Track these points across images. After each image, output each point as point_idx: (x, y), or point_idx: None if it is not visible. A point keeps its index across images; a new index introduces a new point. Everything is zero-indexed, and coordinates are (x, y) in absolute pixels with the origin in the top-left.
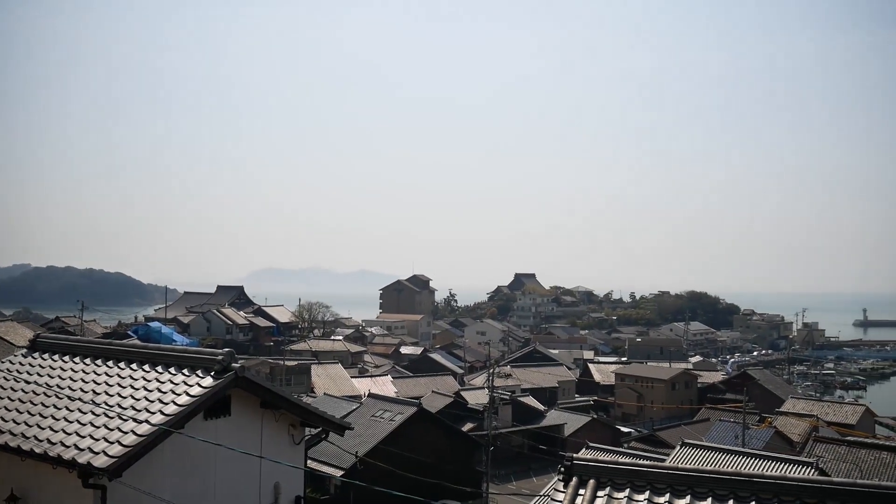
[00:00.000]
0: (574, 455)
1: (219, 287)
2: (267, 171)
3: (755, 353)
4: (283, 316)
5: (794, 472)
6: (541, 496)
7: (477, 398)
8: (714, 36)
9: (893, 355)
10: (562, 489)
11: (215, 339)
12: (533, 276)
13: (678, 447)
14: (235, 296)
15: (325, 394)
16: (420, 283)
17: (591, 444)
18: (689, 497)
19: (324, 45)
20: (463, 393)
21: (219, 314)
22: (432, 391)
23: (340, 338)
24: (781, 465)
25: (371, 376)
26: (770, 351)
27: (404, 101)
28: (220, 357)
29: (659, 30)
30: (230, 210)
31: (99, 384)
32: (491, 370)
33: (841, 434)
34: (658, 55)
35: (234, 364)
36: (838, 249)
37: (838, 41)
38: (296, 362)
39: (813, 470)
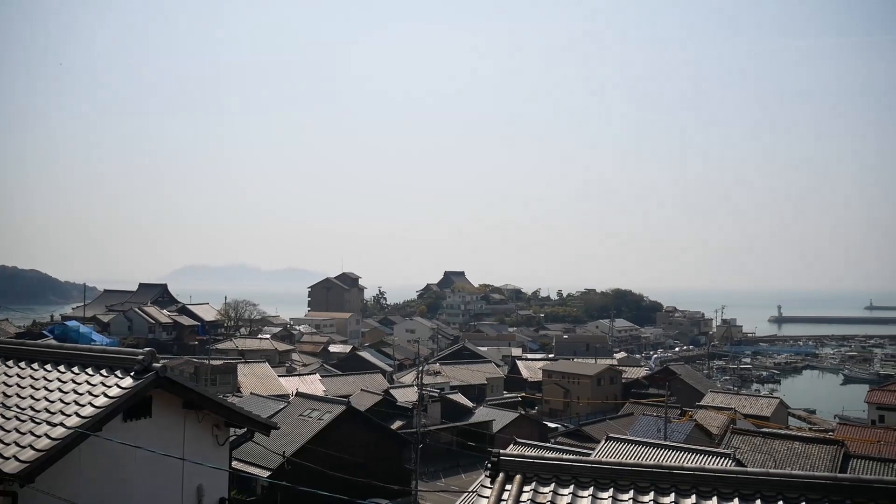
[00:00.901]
0: (501, 451)
1: (141, 285)
2: (188, 168)
3: (677, 349)
4: (209, 314)
5: (713, 463)
6: (468, 492)
7: (406, 396)
8: (653, 37)
9: (805, 350)
10: (489, 485)
11: (137, 339)
12: (462, 274)
13: (603, 441)
14: (158, 294)
15: (251, 393)
16: (349, 281)
17: (519, 440)
18: (611, 490)
19: (259, 33)
20: (392, 391)
21: (141, 313)
22: (361, 389)
23: (268, 336)
24: (701, 457)
25: (299, 375)
26: (691, 347)
27: (340, 97)
28: (140, 357)
29: (606, 33)
30: (151, 207)
31: (10, 386)
32: (420, 368)
33: (757, 426)
34: (599, 59)
35: (155, 364)
36: (755, 248)
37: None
38: (221, 361)
39: (730, 461)
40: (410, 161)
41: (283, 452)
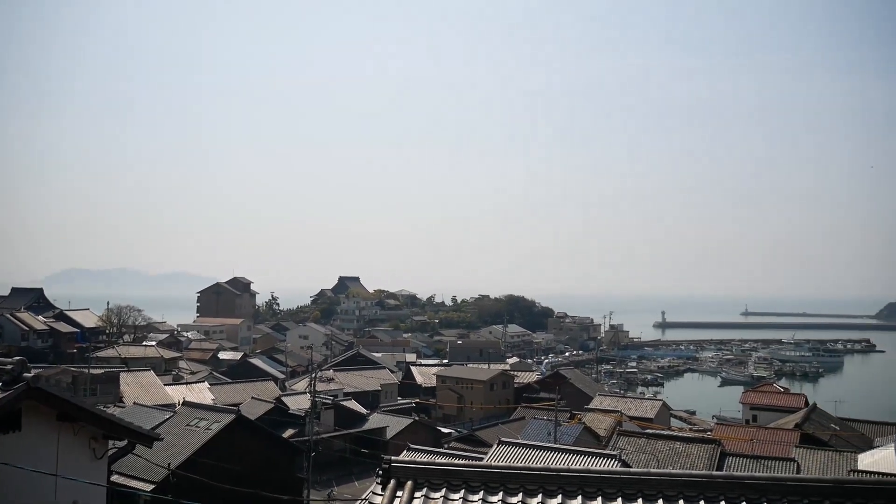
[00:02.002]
0: (392, 457)
1: (13, 289)
2: (66, 164)
3: (567, 354)
4: (89, 321)
5: (599, 464)
6: (361, 500)
7: (299, 403)
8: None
9: (687, 354)
10: (380, 492)
11: (8, 347)
12: (357, 279)
13: (495, 445)
14: (33, 299)
15: (135, 403)
16: (241, 286)
17: (413, 446)
18: (501, 493)
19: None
20: (284, 398)
21: (13, 319)
22: (252, 397)
23: (153, 343)
24: (588, 459)
25: (186, 383)
26: (581, 351)
27: (223, 94)
28: (8, 367)
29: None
30: (26, 206)
31: None
32: (313, 374)
33: (641, 427)
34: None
35: (25, 374)
36: (641, 255)
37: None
38: (102, 370)
39: (616, 461)
40: (304, 162)
41: (168, 465)
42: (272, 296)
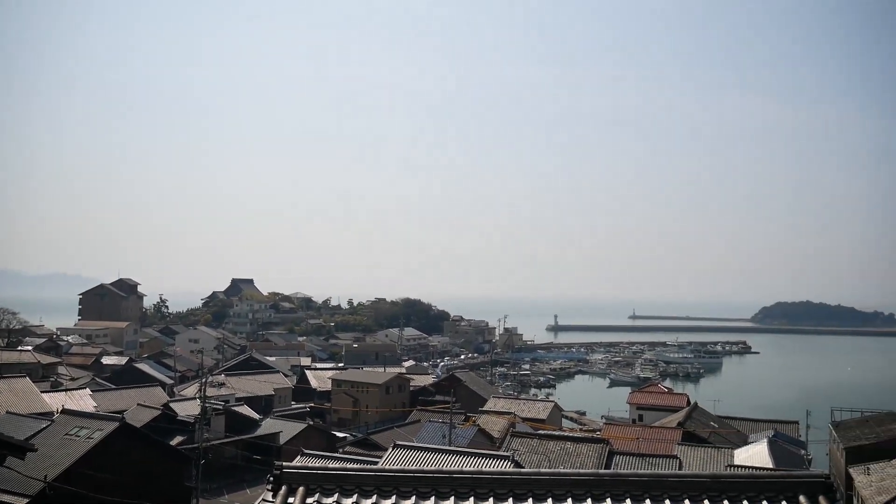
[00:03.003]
0: (284, 463)
1: None
2: None
3: (463, 357)
4: None
5: (492, 466)
6: None
7: (188, 409)
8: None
9: (578, 356)
10: (270, 499)
11: None
12: (251, 281)
13: (390, 449)
14: None
15: (8, 412)
16: (127, 288)
17: (307, 451)
18: (394, 497)
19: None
20: (172, 404)
21: None
22: (138, 404)
23: (29, 348)
24: (482, 460)
25: (66, 390)
26: (476, 354)
27: (108, 90)
28: None
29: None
30: None
31: None
32: (204, 379)
33: (534, 428)
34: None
35: None
36: (535, 260)
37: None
38: None
39: (509, 462)
40: (196, 162)
41: (45, 476)
42: (161, 298)
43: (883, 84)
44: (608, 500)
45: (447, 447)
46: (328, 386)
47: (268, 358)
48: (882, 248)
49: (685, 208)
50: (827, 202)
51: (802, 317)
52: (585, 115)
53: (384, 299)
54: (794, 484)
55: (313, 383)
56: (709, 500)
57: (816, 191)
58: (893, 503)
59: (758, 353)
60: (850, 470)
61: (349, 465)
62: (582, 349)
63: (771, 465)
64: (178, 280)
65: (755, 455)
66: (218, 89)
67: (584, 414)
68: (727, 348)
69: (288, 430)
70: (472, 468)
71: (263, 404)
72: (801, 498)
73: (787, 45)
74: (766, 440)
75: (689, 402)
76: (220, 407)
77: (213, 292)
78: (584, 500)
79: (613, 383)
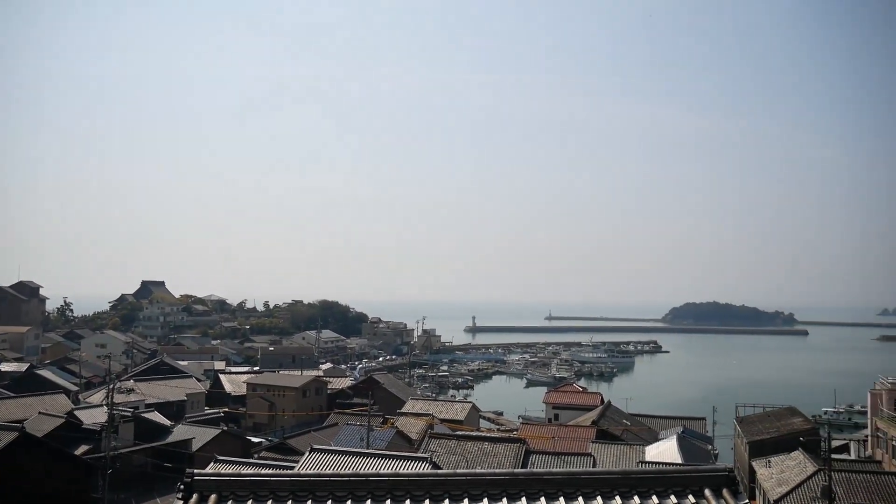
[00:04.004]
0: (195, 470)
1: None
2: None
3: (381, 359)
4: None
5: (410, 468)
6: None
7: (94, 417)
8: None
9: (495, 357)
10: None
11: None
12: (162, 283)
13: (307, 453)
14: None
15: None
16: (27, 291)
17: (220, 458)
18: (310, 502)
19: None
20: (77, 412)
21: None
22: (40, 412)
23: None
24: (400, 462)
25: None
26: (394, 356)
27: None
28: None
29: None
30: None
31: None
32: (111, 385)
33: (452, 429)
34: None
35: None
36: (454, 262)
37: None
38: None
39: (427, 464)
40: (104, 160)
41: None
42: (65, 301)
43: (785, 92)
44: (523, 499)
45: (365, 450)
46: (243, 390)
47: (180, 362)
48: (783, 252)
49: (598, 213)
50: (732, 207)
51: (710, 317)
52: (508, 120)
53: (301, 301)
54: (700, 478)
55: (228, 388)
56: (620, 497)
57: (722, 196)
58: (792, 494)
59: (668, 352)
60: (753, 463)
61: (264, 471)
62: (499, 350)
63: (680, 461)
64: (84, 283)
65: (665, 451)
66: (131, 81)
67: (501, 414)
68: (639, 348)
69: (201, 436)
70: (389, 470)
71: (175, 410)
72: (706, 492)
73: (707, 54)
74: (675, 436)
75: (602, 401)
76: (129, 414)
77: (122, 295)
78: (500, 499)
79: (530, 383)
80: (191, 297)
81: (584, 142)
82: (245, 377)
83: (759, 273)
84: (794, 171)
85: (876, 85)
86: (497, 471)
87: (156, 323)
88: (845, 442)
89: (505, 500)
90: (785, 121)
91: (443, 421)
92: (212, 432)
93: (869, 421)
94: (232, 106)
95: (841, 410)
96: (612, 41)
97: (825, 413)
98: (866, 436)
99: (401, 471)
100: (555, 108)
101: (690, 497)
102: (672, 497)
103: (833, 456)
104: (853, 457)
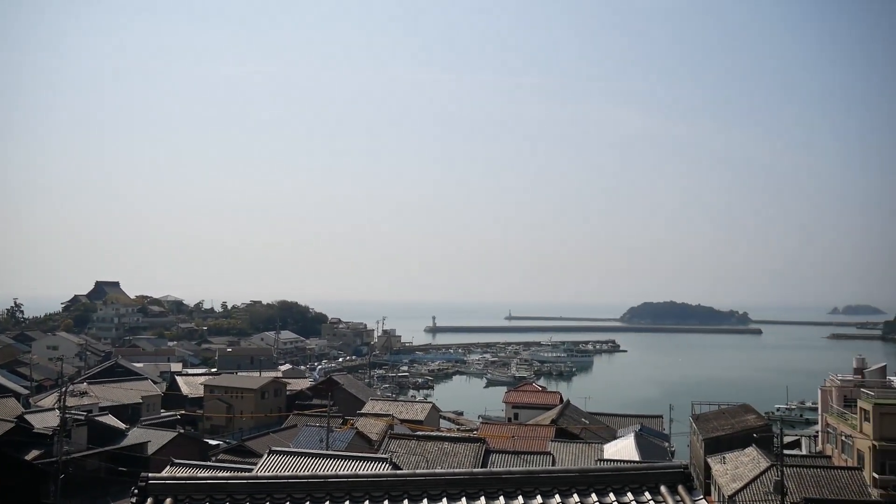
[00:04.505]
0: (150, 474)
1: None
2: None
3: (341, 360)
4: None
5: (370, 468)
6: None
7: (46, 421)
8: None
9: (455, 357)
10: None
11: None
12: (117, 284)
13: (266, 455)
14: None
15: None
16: None
17: (176, 461)
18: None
19: None
20: (28, 416)
21: None
22: None
23: None
24: (360, 463)
25: None
26: (354, 357)
27: None
28: None
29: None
30: None
31: None
32: (64, 389)
33: (412, 429)
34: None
35: None
36: (415, 263)
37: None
38: None
39: (387, 464)
40: (55, 155)
41: None
42: (15, 302)
43: (733, 95)
44: (482, 499)
45: (324, 451)
46: (200, 392)
47: (135, 364)
48: (738, 253)
49: (558, 214)
50: (690, 209)
51: (667, 316)
52: (469, 120)
53: (260, 302)
54: (656, 475)
55: (184, 390)
56: (577, 494)
57: (679, 198)
58: (746, 489)
59: (626, 351)
60: (708, 459)
61: (221, 474)
62: (459, 350)
63: (637, 458)
64: (35, 283)
65: (623, 449)
66: (83, 76)
67: (461, 414)
68: (598, 347)
69: (156, 439)
70: (348, 472)
71: (130, 413)
72: (662, 488)
73: (667, 58)
74: (633, 434)
75: (562, 400)
76: (82, 417)
77: (75, 296)
78: (459, 499)
79: (490, 383)
80: (147, 297)
81: (545, 143)
82: (202, 379)
83: (715, 273)
84: (748, 174)
85: (826, 86)
86: (456, 470)
87: (110, 324)
88: (797, 438)
89: (464, 499)
90: (735, 123)
91: (403, 421)
92: (168, 435)
93: (819, 417)
94: (185, 102)
95: (793, 407)
96: (559, 42)
97: (778, 410)
98: (817, 431)
99: (360, 472)
100: (513, 110)
101: (647, 494)
102: (629, 494)
103: (785, 451)
104: (804, 452)
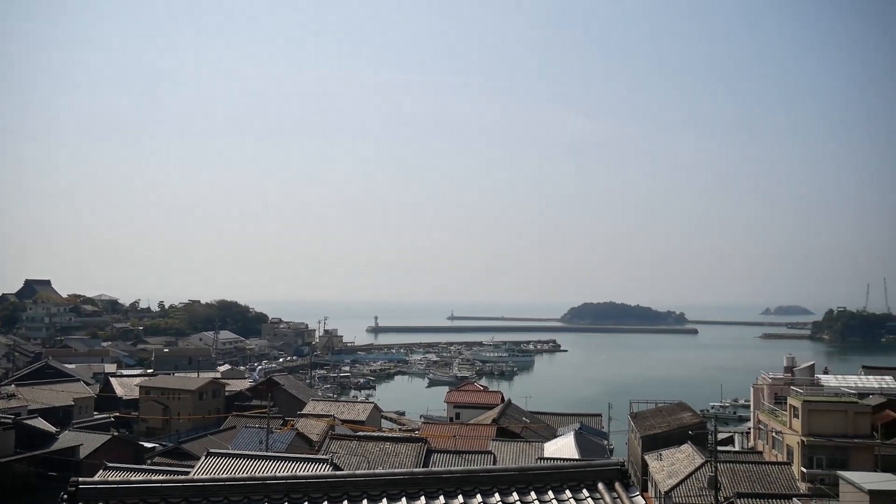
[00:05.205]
0: (81, 479)
1: None
2: None
3: (281, 360)
4: None
5: (310, 470)
6: None
7: None
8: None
9: (397, 357)
10: None
11: None
12: (48, 282)
13: (203, 458)
14: None
15: None
16: None
17: (110, 465)
18: None
19: None
20: None
21: None
22: None
23: None
24: (300, 465)
25: None
26: (295, 357)
27: None
28: None
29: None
30: None
31: None
32: None
33: (353, 430)
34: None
35: None
36: (356, 262)
37: None
38: None
39: (328, 465)
40: None
41: None
42: None
43: (661, 94)
44: (422, 498)
45: (264, 453)
46: (136, 393)
47: (67, 365)
48: (676, 253)
49: (499, 215)
50: (628, 210)
51: (606, 316)
52: (419, 121)
53: (198, 301)
54: (594, 472)
55: (119, 391)
56: (517, 492)
57: (618, 198)
58: (681, 485)
59: (566, 350)
60: (646, 456)
61: (155, 477)
62: (402, 350)
63: (577, 456)
64: None
65: (563, 447)
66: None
67: (403, 414)
68: (539, 347)
69: (89, 442)
70: (287, 473)
71: (61, 416)
72: (600, 485)
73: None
74: (572, 433)
75: (503, 400)
76: (10, 421)
77: (3, 294)
78: (399, 499)
79: (432, 383)
80: (79, 296)
81: (490, 144)
82: (138, 380)
83: (653, 274)
84: (685, 176)
85: (763, 79)
86: (396, 471)
87: (41, 324)
88: (730, 434)
89: (405, 499)
90: (672, 122)
91: (344, 422)
92: (101, 438)
93: (752, 414)
94: (128, 100)
95: (727, 404)
96: (513, 45)
97: (712, 407)
98: (749, 428)
99: (300, 473)
100: (461, 110)
101: (585, 491)
102: (567, 491)
103: (719, 448)
104: (737, 448)
